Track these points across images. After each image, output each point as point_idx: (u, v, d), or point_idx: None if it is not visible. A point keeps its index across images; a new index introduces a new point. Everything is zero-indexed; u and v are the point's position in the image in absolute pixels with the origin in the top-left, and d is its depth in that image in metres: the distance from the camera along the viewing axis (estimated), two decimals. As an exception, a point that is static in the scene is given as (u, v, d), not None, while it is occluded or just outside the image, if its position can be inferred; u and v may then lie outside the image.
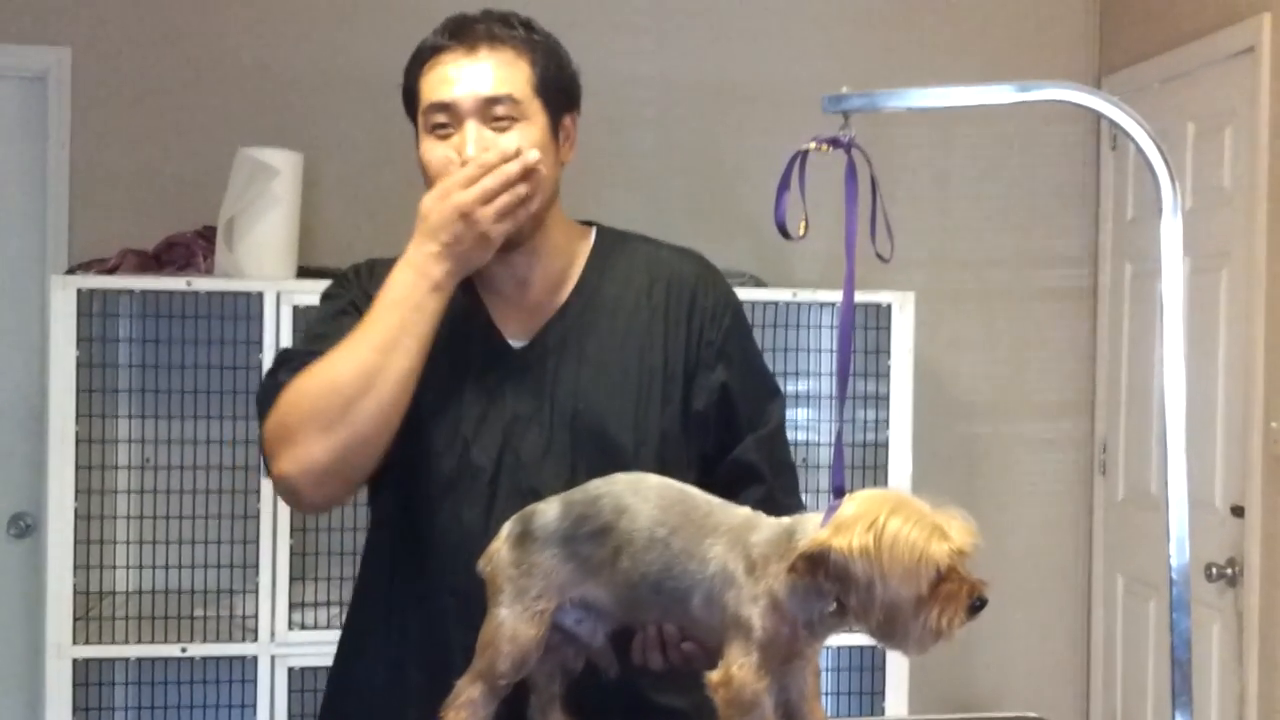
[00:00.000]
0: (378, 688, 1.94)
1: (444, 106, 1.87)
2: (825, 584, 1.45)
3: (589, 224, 2.06)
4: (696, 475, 1.86)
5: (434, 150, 1.89)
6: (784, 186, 1.58)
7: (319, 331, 1.94)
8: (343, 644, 2.05)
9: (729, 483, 1.89)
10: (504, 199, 1.78)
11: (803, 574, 1.45)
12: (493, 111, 1.86)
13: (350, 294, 1.98)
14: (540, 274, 1.96)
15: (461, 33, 1.89)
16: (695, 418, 1.93)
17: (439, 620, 1.87)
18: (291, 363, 1.87)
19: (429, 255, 1.80)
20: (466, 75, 1.87)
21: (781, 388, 2.09)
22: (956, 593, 1.44)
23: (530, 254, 1.94)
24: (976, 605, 1.45)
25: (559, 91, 1.93)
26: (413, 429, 1.86)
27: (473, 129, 1.86)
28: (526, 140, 1.86)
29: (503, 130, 1.86)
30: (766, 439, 1.96)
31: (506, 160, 1.78)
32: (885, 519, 1.43)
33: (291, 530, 3.56)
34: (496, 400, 1.90)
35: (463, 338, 1.92)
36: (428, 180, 1.90)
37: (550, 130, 1.92)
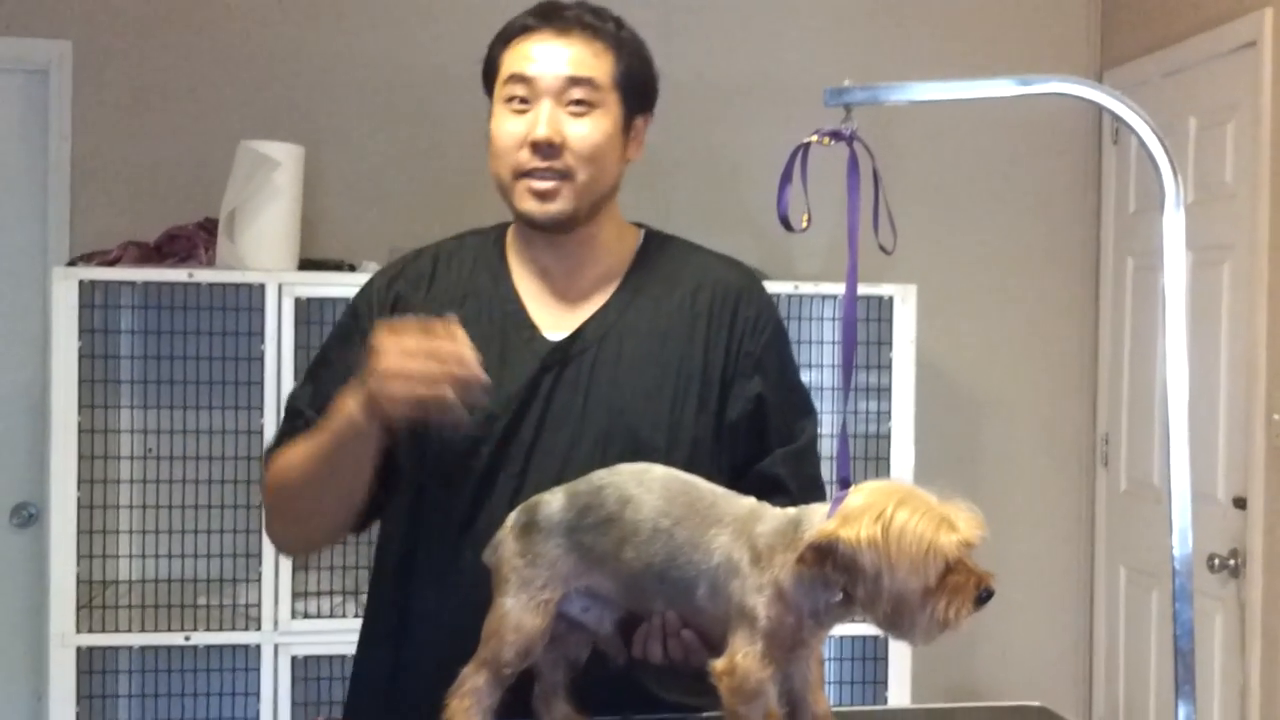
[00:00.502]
0: (403, 679, 1.93)
1: (524, 79, 1.88)
2: (833, 574, 1.45)
3: (638, 225, 2.06)
4: (725, 485, 1.85)
5: (505, 123, 1.90)
6: (786, 180, 1.59)
7: (325, 358, 2.03)
8: (364, 636, 2.04)
9: (753, 495, 1.87)
10: (420, 389, 1.68)
11: (811, 564, 1.46)
12: (571, 94, 1.88)
13: (361, 322, 1.97)
14: (588, 266, 1.97)
15: (553, 16, 1.91)
16: (728, 427, 1.93)
17: (464, 611, 1.87)
18: (292, 421, 1.98)
19: (359, 393, 1.77)
20: (551, 54, 1.88)
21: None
22: (964, 584, 1.44)
23: (583, 243, 1.95)
24: (983, 597, 1.45)
25: (637, 91, 1.95)
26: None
27: (547, 108, 1.87)
28: (598, 130, 1.88)
29: (577, 115, 1.88)
30: (795, 454, 1.95)
31: (460, 364, 1.68)
32: (893, 510, 1.44)
33: (294, 520, 3.56)
34: (534, 393, 1.90)
35: (499, 332, 1.93)
36: (492, 152, 1.92)
37: (622, 125, 1.93)
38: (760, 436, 1.94)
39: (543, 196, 1.89)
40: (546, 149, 1.87)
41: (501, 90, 1.91)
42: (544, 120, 1.86)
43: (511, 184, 1.90)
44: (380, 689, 1.97)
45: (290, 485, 1.94)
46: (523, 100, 1.88)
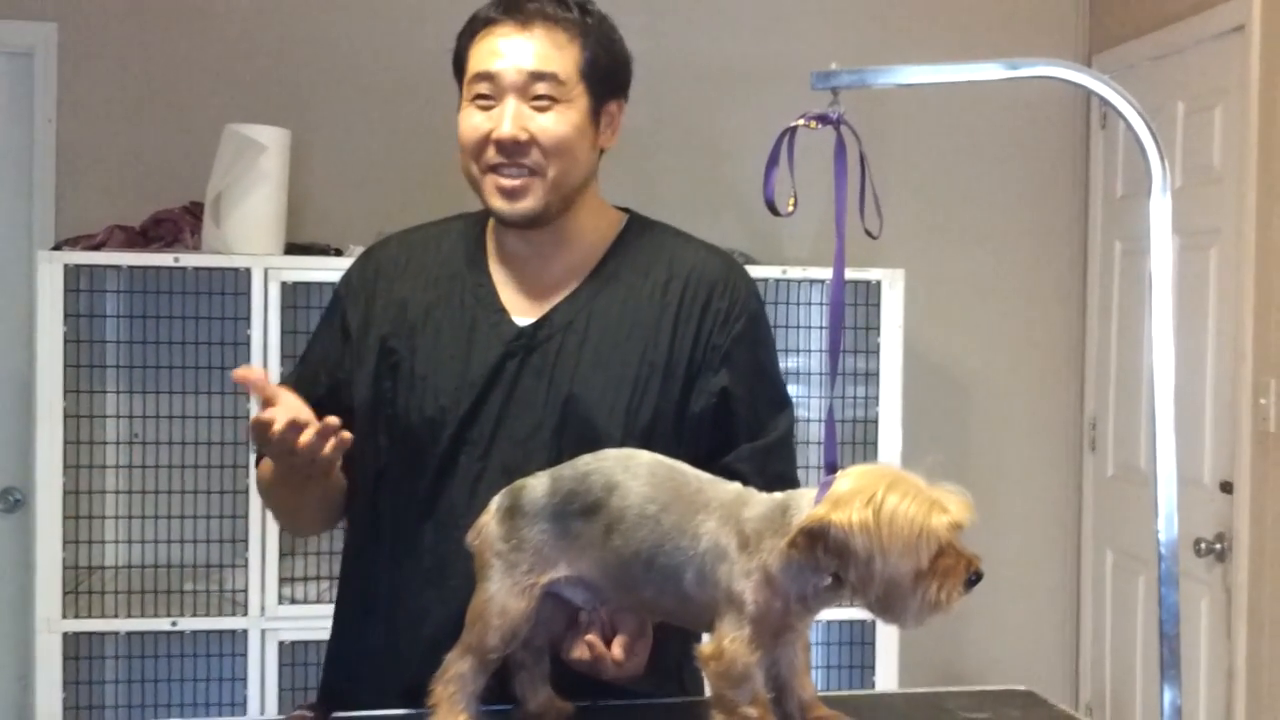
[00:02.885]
0: (369, 659, 1.94)
1: (488, 76, 1.87)
2: (824, 559, 1.45)
3: (625, 210, 2.06)
4: None
5: (470, 119, 1.90)
6: (773, 163, 1.58)
7: (310, 343, 2.10)
8: (336, 616, 2.06)
9: None
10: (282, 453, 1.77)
11: (802, 549, 1.45)
12: (534, 89, 1.87)
13: (341, 304, 2.03)
14: (561, 255, 1.96)
15: (516, 7, 1.89)
16: (690, 419, 1.91)
17: (425, 591, 1.88)
18: None
19: None
20: (514, 49, 1.87)
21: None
22: (954, 567, 1.44)
23: (554, 233, 1.94)
24: (973, 579, 1.46)
25: (606, 78, 1.94)
26: (414, 401, 1.90)
27: (511, 105, 1.86)
28: (564, 123, 1.88)
29: (542, 110, 1.87)
30: (763, 450, 1.93)
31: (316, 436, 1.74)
32: (883, 494, 1.43)
33: (281, 506, 3.56)
34: (498, 378, 1.90)
35: (469, 315, 1.93)
36: (461, 149, 1.92)
37: (591, 115, 1.92)
38: (726, 431, 1.93)
39: (511, 195, 1.88)
40: (512, 147, 1.86)
41: (468, 88, 1.91)
42: (508, 118, 1.86)
43: (480, 180, 1.90)
44: (351, 669, 1.98)
45: (268, 493, 2.10)
46: (487, 97, 1.88)
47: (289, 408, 1.74)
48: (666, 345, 1.91)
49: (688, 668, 1.97)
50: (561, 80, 1.87)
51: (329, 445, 1.74)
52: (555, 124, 1.87)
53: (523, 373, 1.90)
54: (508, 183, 1.88)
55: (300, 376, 2.02)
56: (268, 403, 1.74)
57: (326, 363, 2.01)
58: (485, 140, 1.87)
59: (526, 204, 1.88)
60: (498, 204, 1.89)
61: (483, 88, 1.88)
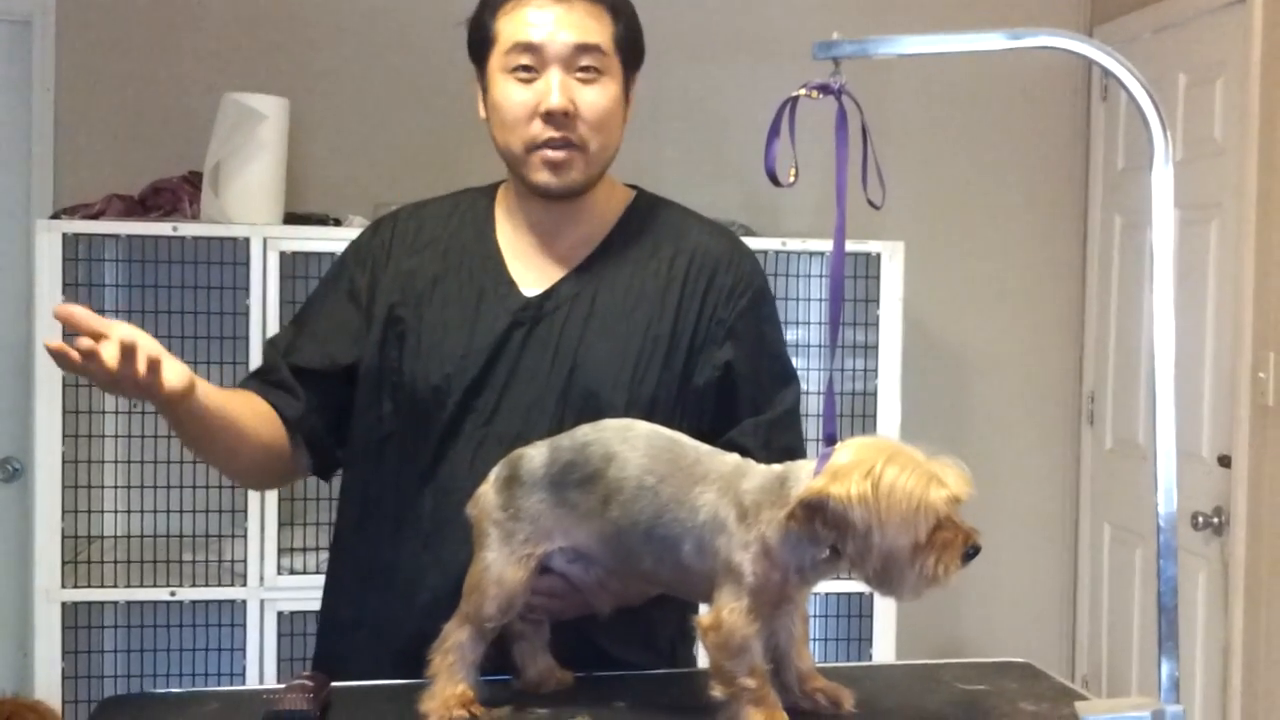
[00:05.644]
0: (365, 626, 1.95)
1: (531, 48, 1.85)
2: (823, 531, 1.45)
3: (633, 187, 2.05)
4: None
5: (514, 93, 1.87)
6: (774, 133, 1.57)
7: (308, 304, 2.05)
8: (328, 586, 2.06)
9: None
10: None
11: (801, 521, 1.45)
12: (580, 61, 1.86)
13: (347, 271, 2.01)
14: (571, 229, 1.96)
15: None
16: (693, 392, 1.91)
17: (422, 556, 1.88)
18: (263, 368, 2.02)
19: None
20: (555, 19, 1.85)
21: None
22: (952, 540, 1.44)
23: (572, 206, 1.94)
24: (971, 553, 1.46)
25: (634, 51, 1.94)
26: (419, 369, 1.90)
27: (557, 76, 1.85)
28: (607, 96, 1.87)
29: (587, 83, 1.86)
30: (766, 424, 1.93)
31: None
32: (882, 467, 1.43)
33: (280, 476, 3.56)
34: (504, 348, 1.90)
35: (477, 286, 1.93)
36: (499, 123, 1.89)
37: (624, 87, 1.92)
38: (729, 405, 1.93)
39: (557, 168, 1.87)
40: (561, 119, 1.85)
41: (503, 60, 1.87)
42: (556, 89, 1.84)
43: (524, 156, 1.88)
44: (348, 637, 1.98)
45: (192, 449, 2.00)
46: (528, 69, 1.86)
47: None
48: (671, 318, 1.91)
49: (681, 648, 1.99)
50: (604, 51, 1.87)
51: (141, 364, 1.62)
52: (599, 96, 1.87)
53: (529, 343, 1.90)
54: (555, 155, 1.86)
55: (294, 341, 2.00)
56: (97, 336, 1.63)
57: (349, 328, 1.97)
58: (530, 114, 1.85)
59: (572, 177, 1.88)
60: (543, 178, 1.88)
61: (525, 59, 1.85)
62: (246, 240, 3.54)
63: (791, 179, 1.58)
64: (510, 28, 1.87)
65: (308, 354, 1.98)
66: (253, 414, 1.93)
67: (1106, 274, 4.39)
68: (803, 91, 1.56)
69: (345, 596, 2.00)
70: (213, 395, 1.82)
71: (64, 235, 3.50)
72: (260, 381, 1.99)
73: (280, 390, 1.97)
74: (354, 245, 2.05)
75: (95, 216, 3.63)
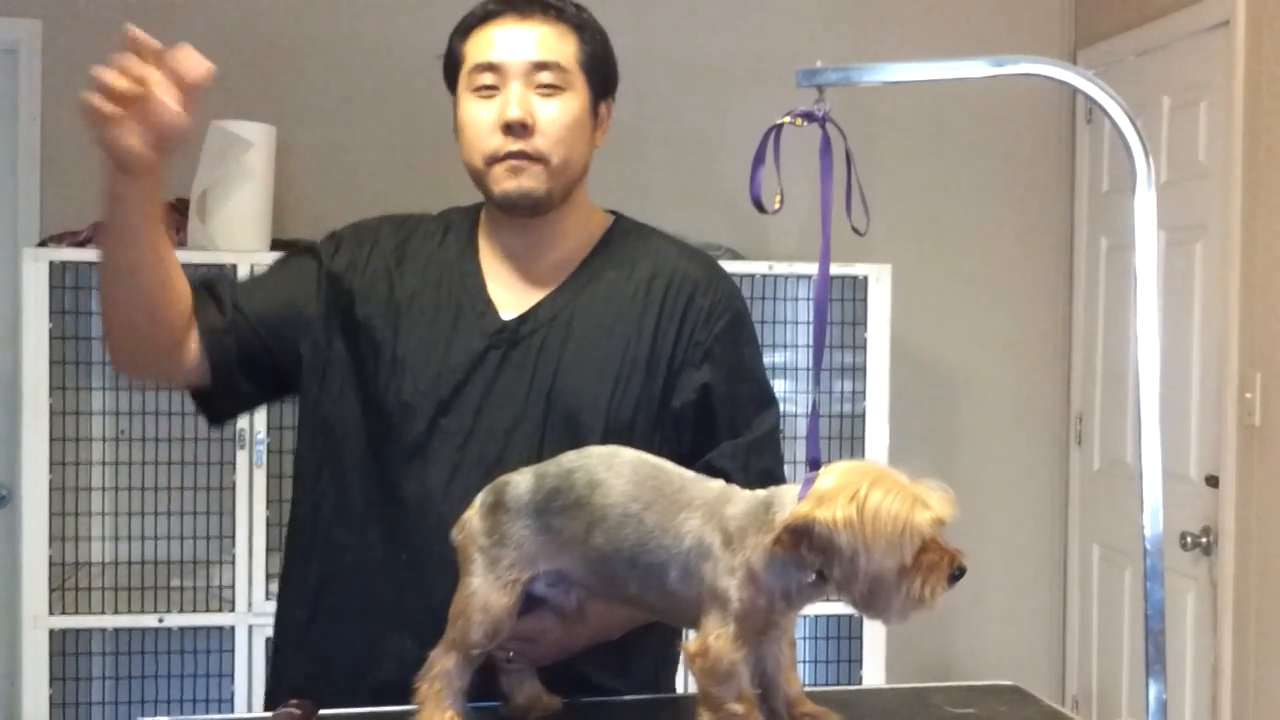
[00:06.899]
0: (337, 647, 1.93)
1: (491, 66, 1.88)
2: (809, 556, 1.45)
3: (613, 213, 2.06)
4: None
5: (477, 109, 1.89)
6: (759, 161, 1.58)
7: (263, 276, 2.07)
8: (286, 601, 2.03)
9: None
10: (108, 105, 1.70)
11: (787, 546, 1.45)
12: (539, 78, 1.87)
13: (318, 257, 2.00)
14: (549, 252, 1.96)
15: (514, 1, 1.91)
16: (671, 415, 1.91)
17: (396, 580, 1.87)
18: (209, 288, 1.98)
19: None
20: (516, 39, 1.88)
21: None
22: (938, 562, 1.44)
23: (548, 226, 1.95)
24: (957, 574, 1.46)
25: (601, 74, 1.95)
26: (392, 383, 1.89)
27: (517, 88, 1.87)
28: (567, 111, 1.89)
29: (547, 96, 1.88)
30: (745, 447, 1.93)
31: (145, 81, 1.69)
32: (866, 490, 1.43)
33: (268, 501, 3.56)
34: (478, 369, 1.89)
35: (455, 304, 1.93)
36: (464, 141, 1.91)
37: (590, 108, 1.93)
38: (708, 427, 1.93)
39: (515, 174, 1.88)
40: (519, 129, 1.86)
41: (468, 79, 1.90)
42: (514, 101, 1.86)
43: (486, 170, 1.90)
44: (318, 665, 1.95)
45: (102, 291, 1.91)
46: (491, 87, 1.88)
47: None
48: (649, 341, 1.92)
49: (664, 675, 1.98)
50: (564, 68, 1.89)
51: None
52: (558, 111, 1.88)
53: (504, 365, 1.90)
54: (514, 164, 1.87)
55: (247, 287, 2.01)
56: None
57: (301, 294, 1.97)
58: (491, 128, 1.87)
59: (531, 185, 1.88)
60: (505, 186, 1.88)
61: (486, 78, 1.88)
62: (233, 267, 3.53)
63: (777, 206, 1.58)
64: (475, 49, 1.90)
65: (253, 297, 1.97)
66: (180, 292, 1.89)
67: (1093, 295, 4.40)
68: (787, 119, 1.57)
69: (319, 618, 1.96)
70: (161, 230, 1.83)
71: (51, 263, 3.50)
72: (201, 285, 1.96)
73: (214, 302, 1.95)
74: (332, 237, 2.04)
75: (82, 244, 3.63)
